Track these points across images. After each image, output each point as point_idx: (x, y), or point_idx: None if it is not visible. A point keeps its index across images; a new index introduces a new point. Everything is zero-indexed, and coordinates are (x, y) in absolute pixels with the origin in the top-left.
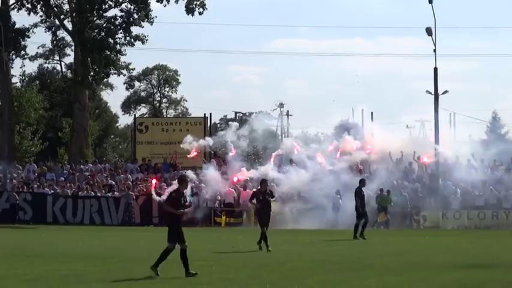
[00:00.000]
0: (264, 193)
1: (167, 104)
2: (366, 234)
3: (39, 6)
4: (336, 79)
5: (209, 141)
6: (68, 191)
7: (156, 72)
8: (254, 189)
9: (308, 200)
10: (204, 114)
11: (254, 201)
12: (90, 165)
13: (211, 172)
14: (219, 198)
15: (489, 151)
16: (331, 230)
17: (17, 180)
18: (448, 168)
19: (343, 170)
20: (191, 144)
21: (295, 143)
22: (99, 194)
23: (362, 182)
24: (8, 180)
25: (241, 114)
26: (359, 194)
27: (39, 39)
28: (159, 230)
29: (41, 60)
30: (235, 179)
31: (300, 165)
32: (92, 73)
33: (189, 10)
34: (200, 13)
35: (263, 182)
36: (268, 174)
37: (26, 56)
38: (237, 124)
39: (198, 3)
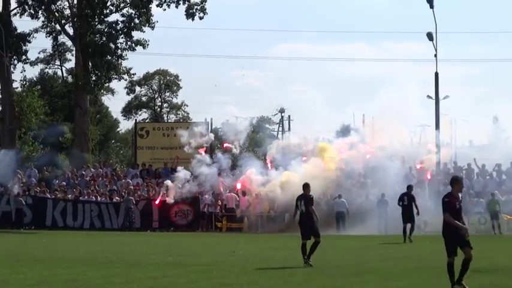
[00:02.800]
0: (305, 198)
1: (168, 109)
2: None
3: (40, 11)
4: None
5: (211, 136)
6: (69, 196)
7: (157, 77)
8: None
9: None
10: (205, 119)
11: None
12: (93, 170)
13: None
14: (220, 203)
15: (490, 156)
16: (333, 235)
17: (17, 184)
18: (448, 173)
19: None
20: (190, 143)
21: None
22: (99, 199)
23: (410, 188)
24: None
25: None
26: (402, 197)
27: (39, 44)
28: (159, 235)
29: (41, 65)
30: (238, 186)
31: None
32: (93, 78)
33: (190, 15)
34: (201, 18)
35: (306, 186)
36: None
37: (27, 61)
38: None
39: (198, 7)
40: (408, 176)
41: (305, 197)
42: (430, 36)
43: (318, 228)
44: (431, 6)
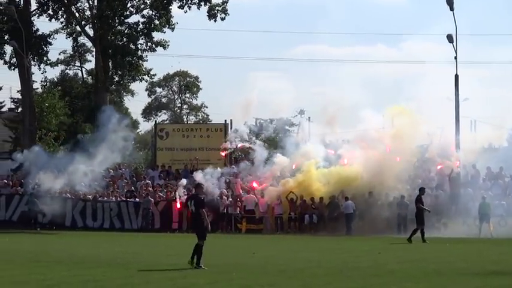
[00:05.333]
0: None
1: (188, 110)
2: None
3: (60, 12)
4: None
5: (183, 182)
6: (90, 196)
7: (177, 78)
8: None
9: None
10: (225, 121)
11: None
12: (111, 171)
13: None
14: (240, 204)
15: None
16: (351, 238)
17: (32, 185)
18: (468, 176)
19: None
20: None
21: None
22: (119, 199)
23: (422, 190)
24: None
25: (262, 121)
26: (420, 201)
27: (59, 45)
28: (178, 235)
29: (62, 66)
30: (254, 185)
31: None
32: (116, 78)
33: (212, 16)
34: (222, 19)
35: (197, 186)
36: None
37: (47, 62)
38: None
39: (220, 8)
40: (427, 178)
41: (195, 198)
42: (450, 38)
43: (205, 231)
44: (452, 8)
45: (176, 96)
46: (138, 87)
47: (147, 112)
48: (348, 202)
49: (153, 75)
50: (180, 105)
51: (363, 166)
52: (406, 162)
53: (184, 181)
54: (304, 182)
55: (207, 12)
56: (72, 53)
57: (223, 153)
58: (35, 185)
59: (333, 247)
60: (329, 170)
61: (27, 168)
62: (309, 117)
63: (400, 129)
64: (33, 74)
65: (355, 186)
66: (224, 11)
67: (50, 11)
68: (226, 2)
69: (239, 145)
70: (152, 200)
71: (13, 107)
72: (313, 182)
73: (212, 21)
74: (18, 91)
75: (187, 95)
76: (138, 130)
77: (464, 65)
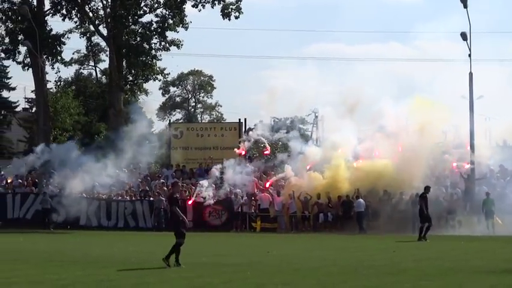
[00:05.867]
0: (170, 198)
1: (202, 110)
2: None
3: (74, 12)
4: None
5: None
6: (104, 196)
7: (191, 77)
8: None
9: None
10: (239, 120)
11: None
12: (125, 170)
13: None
14: (254, 203)
15: None
16: (366, 236)
17: (52, 185)
18: (483, 174)
19: None
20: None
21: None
22: (133, 198)
23: (427, 189)
24: (44, 185)
25: (277, 119)
26: (424, 199)
27: (73, 45)
28: (193, 235)
29: (76, 66)
30: (267, 184)
31: None
32: (130, 78)
33: (226, 14)
34: (236, 17)
35: (174, 185)
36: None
37: (61, 62)
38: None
39: (233, 7)
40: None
41: (170, 197)
42: (464, 36)
43: (183, 230)
44: (465, 6)
45: (190, 95)
46: (152, 86)
47: (162, 111)
48: (359, 200)
49: (167, 74)
50: (194, 104)
51: (392, 160)
52: (425, 159)
53: (205, 182)
54: (332, 178)
55: (221, 11)
56: (86, 52)
57: (239, 151)
58: (56, 183)
59: (347, 245)
60: (360, 164)
61: (53, 163)
62: (323, 116)
63: (423, 121)
64: (47, 73)
65: (386, 182)
66: (238, 9)
67: (63, 11)
68: (240, 1)
69: (255, 139)
70: (164, 199)
71: (27, 106)
72: (341, 177)
73: (226, 20)
74: (32, 91)
75: (202, 94)
76: (153, 129)
77: (478, 62)
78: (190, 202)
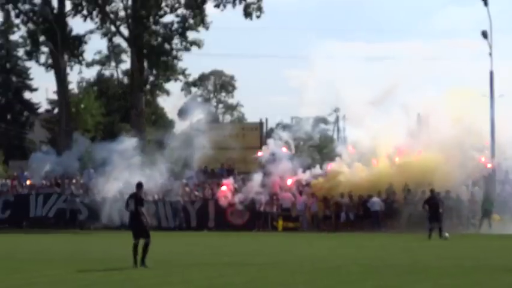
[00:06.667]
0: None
1: (223, 110)
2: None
3: (94, 12)
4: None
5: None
6: (126, 196)
7: (212, 77)
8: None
9: None
10: (260, 120)
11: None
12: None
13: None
14: (276, 202)
15: None
16: (387, 235)
17: (75, 185)
18: (505, 172)
19: None
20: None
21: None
22: (156, 198)
23: (433, 191)
24: (66, 185)
25: (299, 119)
26: (428, 201)
27: (95, 46)
28: (215, 234)
29: (97, 67)
30: (289, 182)
31: None
32: (151, 78)
33: (247, 14)
34: (258, 16)
35: (138, 185)
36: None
37: (83, 63)
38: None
39: (255, 6)
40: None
41: (136, 196)
42: (484, 34)
43: (148, 229)
44: (486, 4)
45: (212, 96)
46: (173, 86)
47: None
48: (374, 199)
49: (188, 74)
50: (215, 104)
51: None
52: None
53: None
54: (374, 175)
55: (243, 11)
56: (107, 53)
57: (259, 153)
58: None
59: (368, 244)
60: (406, 160)
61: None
62: (344, 115)
63: (461, 112)
64: (68, 74)
65: (434, 179)
66: (259, 8)
67: (84, 12)
68: (261, 0)
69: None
70: (181, 199)
71: (49, 108)
72: (383, 173)
73: (247, 19)
74: (54, 92)
75: (223, 94)
76: (174, 129)
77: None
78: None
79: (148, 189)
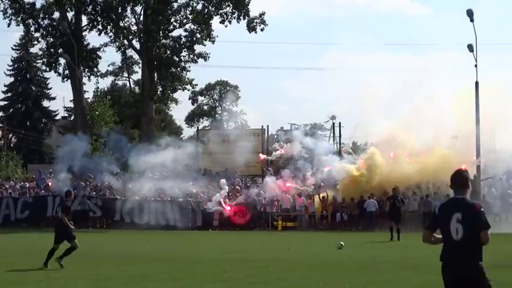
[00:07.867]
0: (61, 204)
1: (228, 117)
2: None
3: (109, 27)
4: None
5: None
6: (136, 197)
7: (218, 87)
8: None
9: None
10: (262, 126)
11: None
12: (157, 173)
13: (269, 180)
14: (277, 204)
15: None
16: (381, 234)
17: (89, 187)
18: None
19: None
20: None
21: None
22: (164, 199)
23: (395, 190)
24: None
25: (297, 126)
26: (389, 199)
27: (109, 58)
28: (219, 233)
29: (111, 77)
30: (287, 184)
31: None
32: (160, 89)
33: (251, 28)
34: (262, 29)
35: (66, 193)
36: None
37: (97, 74)
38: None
39: (258, 21)
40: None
41: (61, 204)
42: (470, 47)
43: (71, 233)
44: (472, 20)
45: (217, 104)
46: (182, 95)
47: (190, 119)
48: (370, 201)
49: (195, 85)
50: (220, 112)
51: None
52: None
53: (223, 181)
54: (392, 173)
55: (247, 26)
56: (120, 64)
57: (262, 156)
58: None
59: (363, 243)
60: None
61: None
62: (340, 123)
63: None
64: (84, 84)
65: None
66: (263, 22)
67: (99, 26)
68: (264, 14)
69: (283, 151)
70: (190, 200)
71: (66, 115)
72: (400, 173)
73: (251, 33)
74: (70, 100)
75: (227, 103)
76: (182, 135)
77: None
78: (228, 208)
79: (161, 190)
